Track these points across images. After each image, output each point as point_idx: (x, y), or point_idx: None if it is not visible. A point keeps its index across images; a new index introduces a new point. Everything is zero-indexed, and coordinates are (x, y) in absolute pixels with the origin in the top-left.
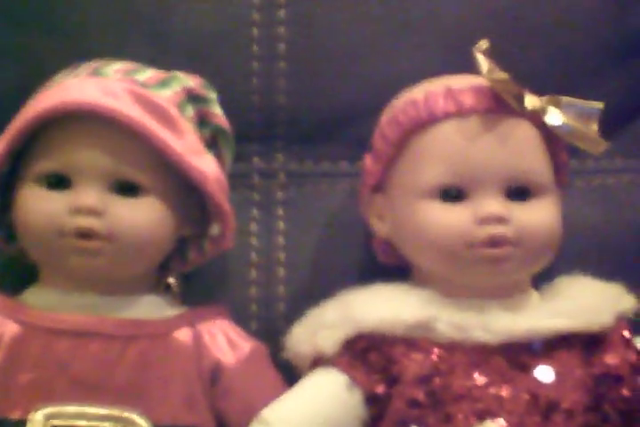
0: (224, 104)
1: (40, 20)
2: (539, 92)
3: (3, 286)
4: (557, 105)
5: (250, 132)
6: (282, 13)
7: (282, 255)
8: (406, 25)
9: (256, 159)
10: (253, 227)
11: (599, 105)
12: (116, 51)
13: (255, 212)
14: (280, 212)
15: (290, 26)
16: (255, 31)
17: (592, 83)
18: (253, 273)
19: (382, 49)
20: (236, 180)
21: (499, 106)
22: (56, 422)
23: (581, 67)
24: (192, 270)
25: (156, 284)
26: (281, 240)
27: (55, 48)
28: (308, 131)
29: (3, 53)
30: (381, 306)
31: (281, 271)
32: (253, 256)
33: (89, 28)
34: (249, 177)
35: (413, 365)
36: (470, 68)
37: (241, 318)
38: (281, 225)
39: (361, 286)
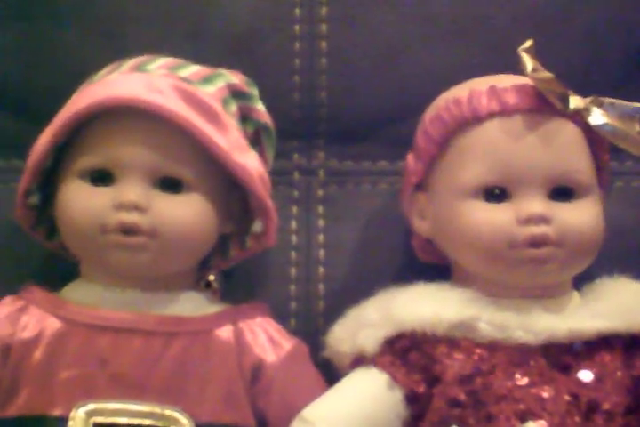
0: (265, 101)
1: (80, 17)
2: (575, 88)
3: (43, 281)
4: (600, 105)
5: (291, 130)
6: (323, 11)
7: (321, 253)
8: (447, 23)
9: (296, 156)
10: (293, 225)
11: None
12: (157, 48)
13: (295, 209)
14: (320, 210)
15: (331, 23)
16: (297, 28)
17: (630, 79)
18: (293, 271)
19: (424, 47)
20: (277, 177)
21: (542, 105)
22: (97, 419)
23: (620, 63)
24: (232, 268)
25: (196, 281)
26: (320, 238)
27: (95, 45)
28: (349, 129)
29: (45, 50)
30: (423, 305)
31: (320, 269)
32: (293, 254)
33: (129, 25)
34: (289, 174)
35: (455, 364)
36: (512, 67)
37: (280, 316)
38: (320, 223)
39: (400, 284)
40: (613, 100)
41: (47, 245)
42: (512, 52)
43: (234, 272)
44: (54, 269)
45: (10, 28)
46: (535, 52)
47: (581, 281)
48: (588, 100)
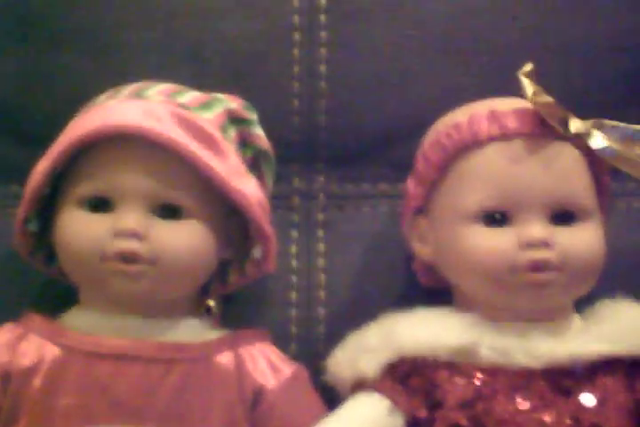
0: (264, 125)
1: (82, 41)
2: (575, 109)
3: (42, 308)
4: (601, 128)
5: (290, 153)
6: (322, 35)
7: (322, 277)
8: (447, 46)
9: (296, 180)
10: (293, 249)
11: None
12: (157, 72)
13: (295, 233)
14: (320, 233)
15: (330, 47)
16: (296, 52)
17: (630, 100)
18: (293, 295)
19: (423, 70)
20: (277, 201)
21: (543, 129)
22: None
23: (619, 83)
24: (232, 292)
25: (196, 306)
26: (321, 262)
27: (97, 69)
28: (349, 152)
29: (43, 75)
30: (424, 330)
31: (321, 293)
32: (293, 278)
33: (128, 49)
34: (289, 198)
35: (456, 389)
36: (512, 88)
37: (281, 340)
38: (321, 247)
39: (401, 309)
40: (614, 123)
41: (46, 271)
42: (511, 73)
43: (234, 297)
44: (53, 295)
45: (8, 52)
46: (535, 76)
47: (583, 303)
48: (589, 123)
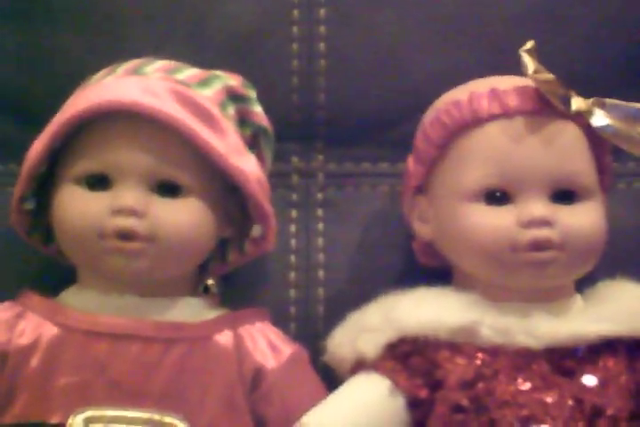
0: (263, 103)
1: (81, 19)
2: (577, 92)
3: (40, 286)
4: (602, 107)
5: (289, 132)
6: (322, 12)
7: (321, 257)
8: (447, 24)
9: (295, 159)
10: (292, 228)
11: None
12: (156, 50)
13: (294, 212)
14: (319, 213)
15: (330, 25)
16: (295, 30)
17: (632, 82)
18: (292, 275)
19: (423, 49)
20: (275, 180)
21: (544, 107)
22: (95, 426)
23: (622, 66)
24: (231, 272)
25: (195, 285)
26: (320, 242)
27: (94, 48)
28: (348, 131)
29: (42, 53)
30: (424, 310)
31: (320, 273)
32: (292, 258)
33: (128, 27)
34: (288, 177)
35: (457, 369)
36: (513, 68)
37: (280, 320)
38: (320, 226)
39: (401, 288)
40: (615, 102)
41: (43, 250)
42: (512, 53)
43: (232, 278)
44: (51, 274)
45: (7, 31)
46: (536, 53)
47: (583, 284)
48: (590, 101)
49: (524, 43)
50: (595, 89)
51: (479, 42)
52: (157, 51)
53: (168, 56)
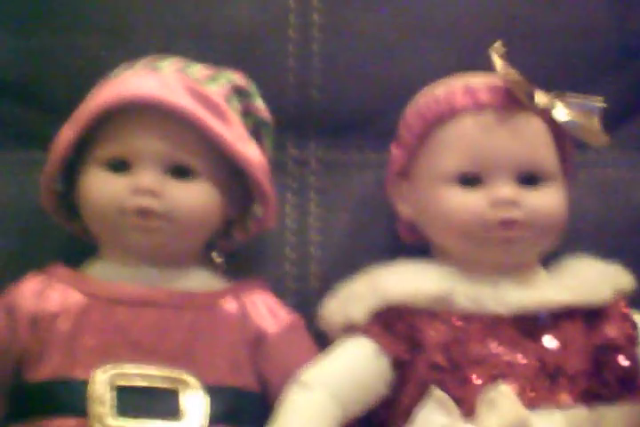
0: (262, 98)
1: (96, 21)
2: (543, 88)
3: (64, 260)
4: (563, 100)
5: (285, 124)
6: (315, 16)
7: (314, 236)
8: (427, 28)
9: (291, 148)
10: (288, 209)
11: (600, 100)
12: (163, 49)
13: (290, 196)
14: (312, 196)
15: (322, 28)
16: (291, 32)
17: (593, 80)
18: (288, 251)
19: (406, 50)
20: (273, 167)
21: (512, 102)
22: (117, 381)
23: (584, 65)
24: (233, 248)
25: (203, 259)
26: (313, 222)
27: (107, 47)
28: (339, 123)
29: (61, 50)
30: (406, 280)
31: (313, 250)
32: (288, 236)
33: (139, 28)
34: (285, 165)
35: (435, 333)
36: (485, 66)
37: (278, 293)
38: (313, 208)
39: (387, 262)
40: (575, 95)
41: (67, 227)
42: (485, 53)
43: (235, 254)
44: (73, 249)
45: (32, 29)
46: (505, 53)
47: (549, 260)
48: (552, 95)
49: (493, 43)
50: (558, 88)
51: (456, 42)
52: (165, 49)
53: (176, 53)
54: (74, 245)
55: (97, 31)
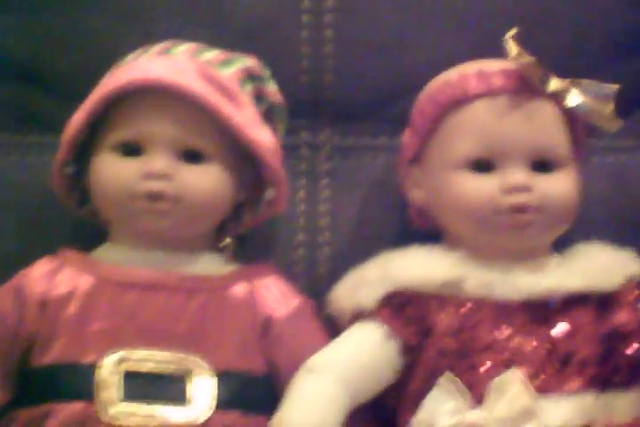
0: (276, 83)
1: (112, 5)
2: (558, 73)
3: (74, 244)
4: (578, 87)
5: (299, 109)
6: (329, 2)
7: (326, 220)
8: (441, 13)
9: (304, 133)
10: (301, 194)
11: (615, 87)
12: (180, 33)
13: (303, 181)
14: (325, 181)
15: (336, 13)
16: (305, 18)
17: (608, 65)
18: (300, 236)
19: (419, 35)
20: (286, 151)
21: (526, 87)
22: (126, 365)
23: (599, 50)
24: (245, 233)
25: (214, 243)
26: (325, 207)
27: (122, 30)
28: (352, 108)
29: (76, 35)
30: (416, 265)
31: (325, 235)
32: (300, 221)
33: (156, 13)
34: (297, 149)
35: (445, 318)
36: (499, 53)
37: (288, 278)
38: (326, 193)
39: (397, 248)
40: (590, 82)
41: (78, 212)
42: (499, 40)
43: (246, 237)
44: (83, 234)
45: (50, 16)
46: (520, 40)
47: (562, 246)
48: (567, 81)
49: (508, 30)
50: (574, 73)
51: (470, 29)
52: (180, 34)
53: (191, 39)
54: (84, 229)
55: (112, 16)
